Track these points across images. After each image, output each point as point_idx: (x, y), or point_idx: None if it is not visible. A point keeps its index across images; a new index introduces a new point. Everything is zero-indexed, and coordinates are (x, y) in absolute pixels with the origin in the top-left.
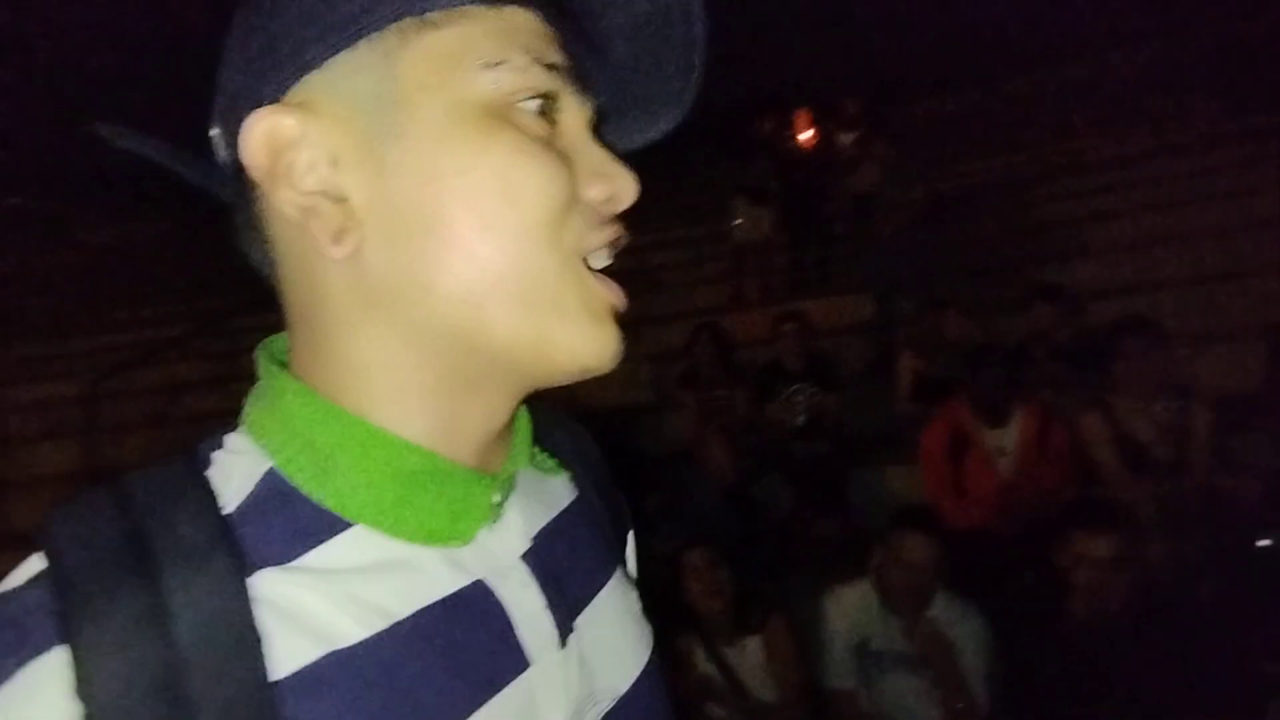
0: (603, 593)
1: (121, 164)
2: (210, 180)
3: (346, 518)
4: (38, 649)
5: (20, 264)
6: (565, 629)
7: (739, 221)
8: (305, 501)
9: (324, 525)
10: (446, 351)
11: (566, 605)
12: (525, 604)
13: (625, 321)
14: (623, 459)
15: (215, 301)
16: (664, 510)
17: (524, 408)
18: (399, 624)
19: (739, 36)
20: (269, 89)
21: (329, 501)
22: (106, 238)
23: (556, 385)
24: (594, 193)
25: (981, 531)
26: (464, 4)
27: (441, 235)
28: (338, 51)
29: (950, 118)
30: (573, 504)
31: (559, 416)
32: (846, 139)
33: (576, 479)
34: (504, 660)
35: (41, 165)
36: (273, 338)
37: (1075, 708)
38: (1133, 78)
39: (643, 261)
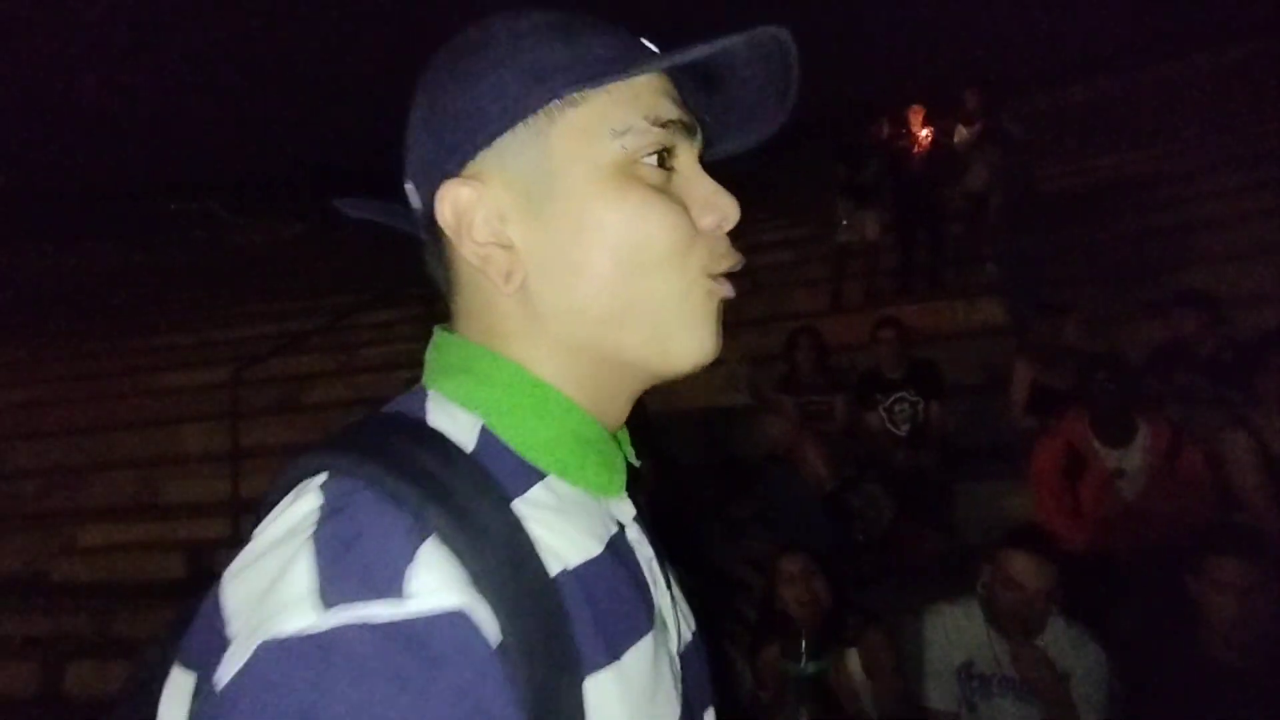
0: (671, 570)
1: (268, 172)
2: (410, 224)
3: (541, 468)
4: (423, 535)
5: (176, 261)
6: (668, 583)
7: (845, 223)
8: (511, 453)
9: (528, 472)
10: (594, 356)
11: (662, 570)
12: (643, 551)
13: (724, 323)
14: (717, 459)
15: (341, 298)
16: (756, 514)
17: None
18: (600, 555)
19: (845, 37)
20: (451, 163)
21: (529, 454)
22: (252, 238)
23: (664, 381)
24: (706, 222)
25: (1100, 556)
26: (603, 84)
27: (589, 274)
28: (502, 133)
29: (1076, 110)
30: (637, 514)
31: None
32: (963, 135)
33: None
34: (645, 592)
35: (199, 172)
36: (439, 334)
37: None
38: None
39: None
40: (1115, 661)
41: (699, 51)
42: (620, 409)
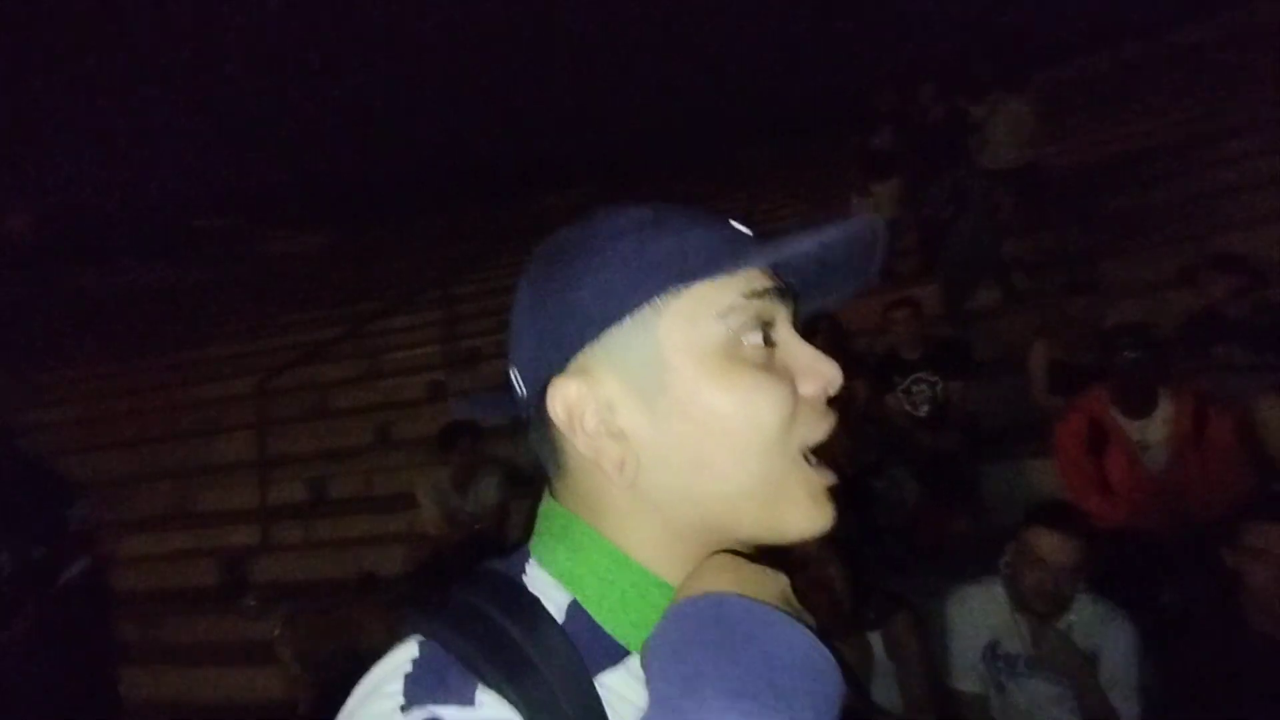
0: None
1: (290, 185)
2: (514, 409)
3: (627, 647)
4: (483, 687)
5: (203, 276)
6: None
7: (856, 202)
8: (599, 630)
9: (614, 651)
10: (703, 539)
11: None
12: None
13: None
14: None
15: (363, 305)
16: None
17: None
18: None
19: (863, 11)
20: (558, 357)
21: (616, 633)
22: (277, 250)
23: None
24: (809, 390)
25: (1133, 532)
26: (713, 277)
27: (705, 463)
28: (609, 328)
29: (1098, 77)
30: None
31: None
32: (979, 109)
33: None
34: None
35: (220, 188)
36: (548, 501)
37: None
38: None
39: None
40: (1150, 640)
41: (796, 247)
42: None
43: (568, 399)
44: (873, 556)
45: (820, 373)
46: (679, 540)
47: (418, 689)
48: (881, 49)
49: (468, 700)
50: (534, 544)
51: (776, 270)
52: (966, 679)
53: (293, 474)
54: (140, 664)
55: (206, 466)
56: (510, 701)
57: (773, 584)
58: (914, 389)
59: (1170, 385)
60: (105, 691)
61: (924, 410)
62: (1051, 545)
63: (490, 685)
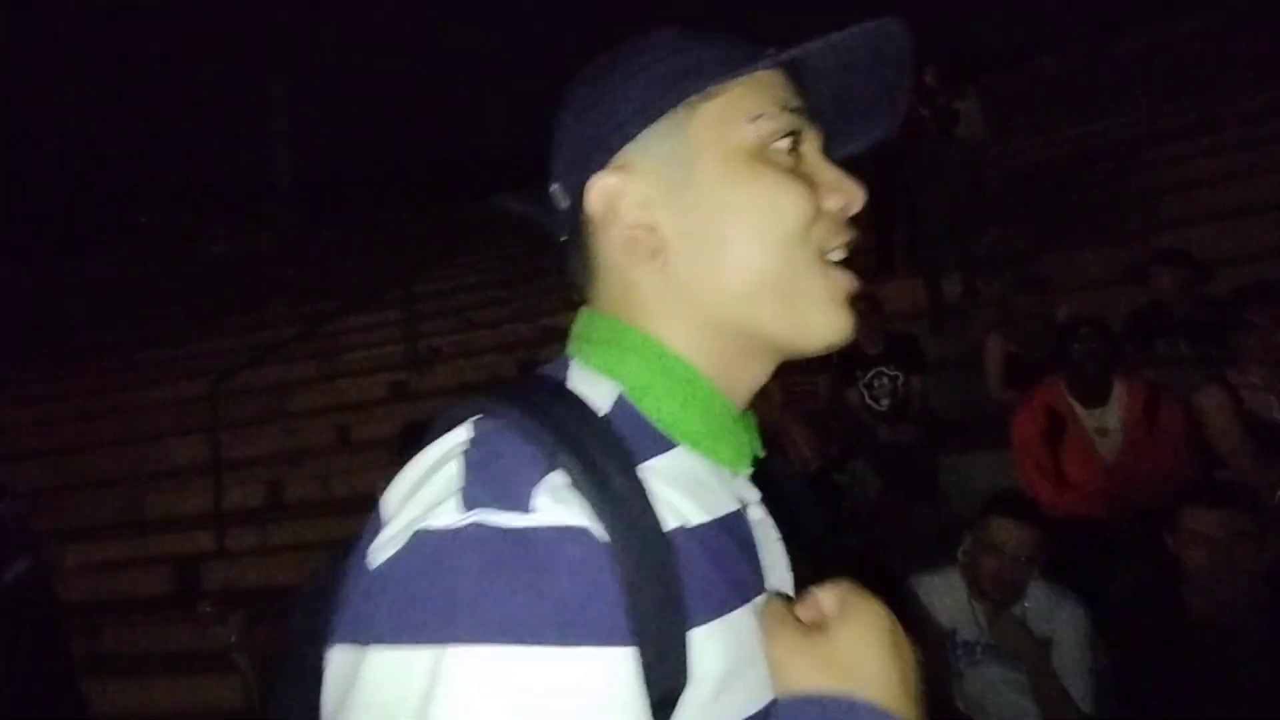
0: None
1: (239, 180)
2: (549, 220)
3: (673, 437)
4: (551, 467)
5: (150, 275)
6: (790, 560)
7: None
8: (646, 422)
9: (660, 440)
10: (732, 331)
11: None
12: (767, 533)
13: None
14: None
15: (319, 305)
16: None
17: None
18: (716, 520)
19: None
20: (599, 158)
21: (661, 424)
22: (227, 249)
23: (806, 357)
24: (831, 203)
25: (1085, 520)
26: (737, 77)
27: (728, 251)
28: (645, 128)
29: (1050, 81)
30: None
31: None
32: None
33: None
34: (754, 570)
35: (168, 182)
36: (585, 311)
37: (1191, 708)
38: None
39: None
40: (1102, 625)
41: (818, 44)
42: (748, 388)
43: (607, 189)
44: (837, 550)
45: (845, 189)
46: (713, 335)
47: (475, 479)
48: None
49: (522, 505)
50: (573, 350)
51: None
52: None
53: (248, 477)
54: (93, 675)
55: (158, 471)
56: (576, 484)
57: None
58: (875, 383)
59: (1122, 374)
60: (61, 702)
61: (884, 404)
62: (1008, 534)
63: (553, 462)
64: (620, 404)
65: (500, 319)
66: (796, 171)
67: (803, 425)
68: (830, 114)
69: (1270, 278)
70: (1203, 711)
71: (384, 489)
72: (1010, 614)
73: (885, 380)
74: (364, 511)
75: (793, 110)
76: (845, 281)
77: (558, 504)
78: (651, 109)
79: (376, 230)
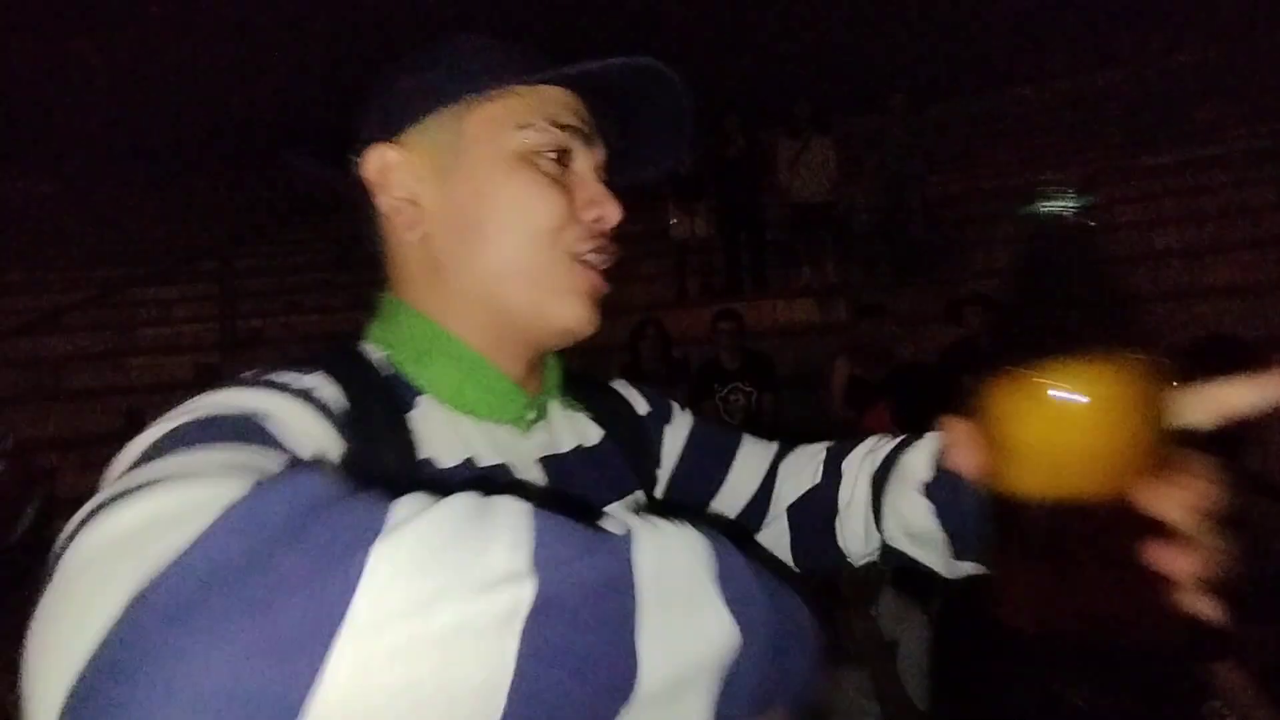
0: (611, 508)
1: (11, 117)
2: (341, 185)
3: (425, 391)
4: (319, 372)
5: None
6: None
7: (674, 221)
8: (402, 380)
9: (414, 394)
10: (482, 309)
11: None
12: (533, 489)
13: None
14: None
15: (111, 271)
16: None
17: (554, 360)
18: (463, 467)
19: (688, 39)
20: (385, 134)
21: (416, 381)
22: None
23: (555, 346)
24: (587, 215)
25: None
26: (511, 85)
27: (480, 232)
28: (428, 115)
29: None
30: (597, 444)
31: (600, 384)
32: (787, 147)
33: (607, 427)
34: None
35: None
36: (382, 297)
37: (1013, 708)
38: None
39: None
40: (935, 629)
41: (581, 66)
42: (522, 363)
43: (382, 160)
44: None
45: (601, 203)
46: (470, 309)
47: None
48: (711, 80)
49: (305, 371)
50: (366, 329)
51: (602, 129)
52: None
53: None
54: None
55: None
56: (337, 383)
57: None
58: (731, 397)
59: (941, 410)
60: None
61: (737, 418)
62: None
63: (324, 370)
64: (386, 365)
65: (334, 305)
66: (558, 180)
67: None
68: (624, 139)
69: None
70: (1020, 704)
71: None
72: (869, 615)
73: (741, 396)
74: None
75: (564, 127)
76: (591, 280)
77: (333, 383)
78: (435, 98)
79: (190, 193)
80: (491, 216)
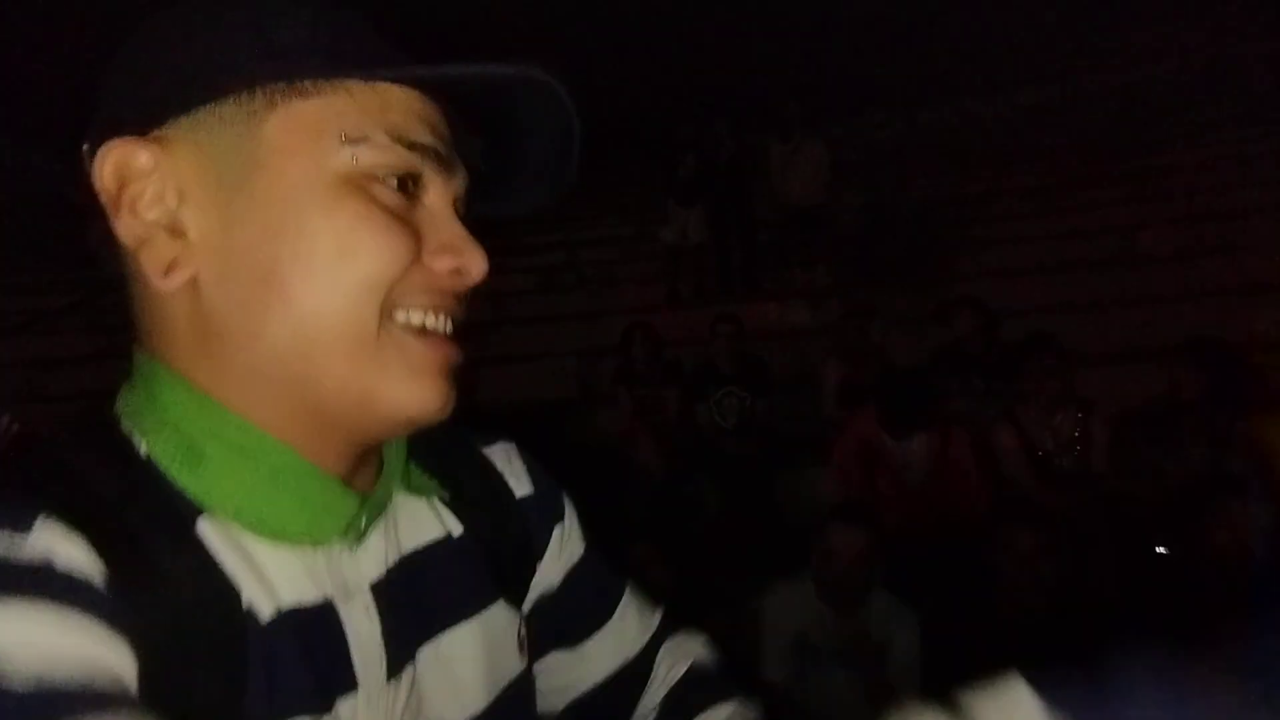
0: (465, 625)
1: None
2: (78, 190)
3: (203, 506)
4: (46, 514)
5: None
6: (401, 659)
7: (669, 224)
8: (171, 488)
9: (188, 513)
10: (281, 390)
11: (412, 635)
12: (364, 631)
13: (548, 317)
14: (551, 453)
15: (99, 271)
16: (594, 505)
17: (398, 439)
18: (276, 621)
19: (679, 43)
20: (134, 122)
21: (191, 489)
22: None
23: (388, 437)
24: (440, 265)
25: (903, 536)
26: (341, 79)
27: (273, 286)
28: (205, 103)
29: (895, 134)
30: (454, 536)
31: (468, 448)
32: (779, 150)
33: (469, 510)
34: (338, 678)
35: None
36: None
37: None
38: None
39: (572, 258)
40: (927, 629)
41: (454, 70)
42: (346, 456)
43: (126, 165)
44: (680, 559)
45: (461, 252)
46: (262, 387)
47: None
48: (693, 83)
49: (23, 525)
50: (120, 394)
51: (460, 146)
52: (773, 669)
53: None
54: None
55: None
56: (78, 531)
57: None
58: (724, 402)
59: (926, 413)
60: None
61: (731, 422)
62: (841, 537)
63: (53, 513)
64: (149, 467)
65: None
66: (401, 215)
67: (650, 437)
68: (492, 161)
69: (1048, 331)
70: None
71: None
72: (856, 617)
73: (735, 400)
74: None
75: (413, 146)
76: (439, 350)
77: (69, 533)
78: (222, 82)
79: None
80: (297, 263)
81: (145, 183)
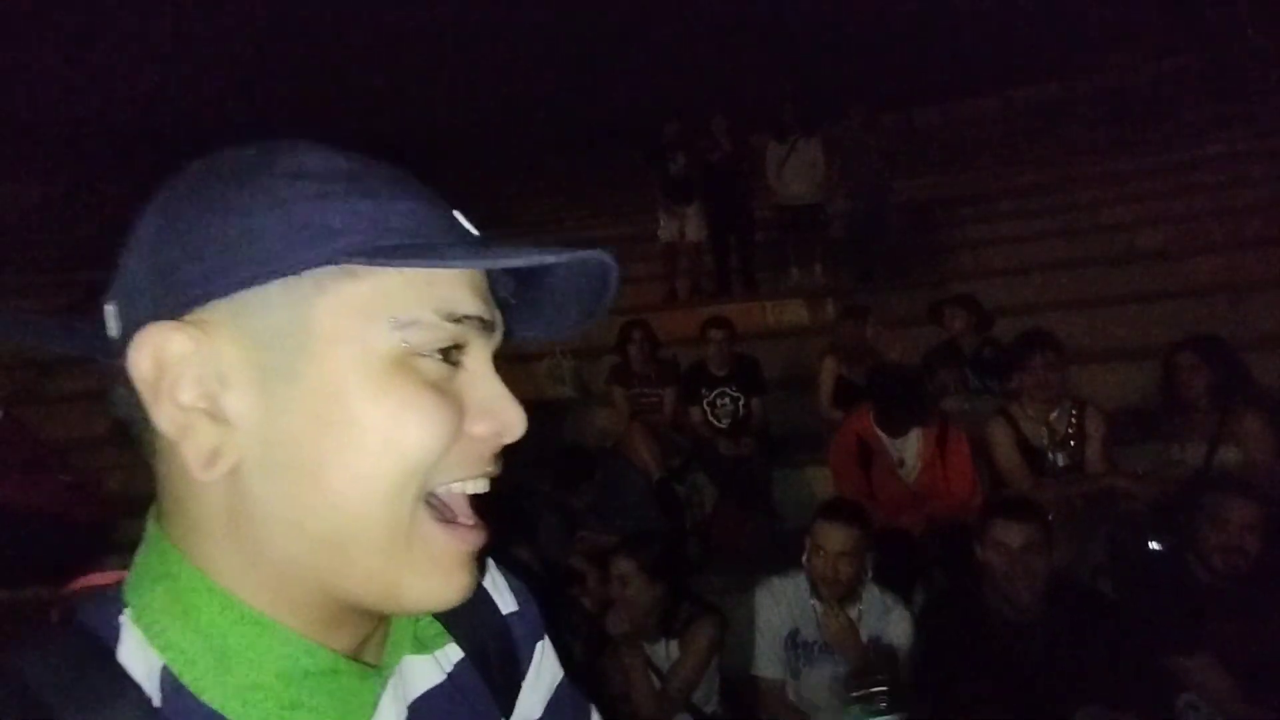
0: None
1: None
2: (96, 349)
3: (226, 716)
4: None
5: None
6: None
7: (664, 224)
8: (198, 705)
9: None
10: (309, 585)
11: None
12: None
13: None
14: (551, 452)
15: (98, 272)
16: (592, 504)
17: None
18: None
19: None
20: (170, 303)
21: (218, 704)
22: None
23: (410, 615)
24: (480, 429)
25: (897, 532)
26: (395, 263)
27: (318, 478)
28: (249, 288)
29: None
30: (455, 670)
31: None
32: (775, 150)
33: (466, 640)
34: None
35: None
36: (150, 522)
37: (988, 695)
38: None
39: None
40: (918, 623)
41: (516, 259)
42: (360, 633)
43: (164, 352)
44: (676, 558)
45: (501, 414)
46: (289, 582)
47: None
48: (688, 85)
49: None
50: (128, 583)
51: (494, 288)
52: (767, 665)
53: None
54: None
55: None
56: None
57: None
58: (718, 402)
59: (921, 409)
60: None
61: (725, 422)
62: (831, 535)
63: None
64: (168, 681)
65: None
66: (444, 387)
67: (647, 436)
68: (517, 294)
69: (1042, 328)
70: (998, 697)
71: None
72: (844, 612)
73: (728, 400)
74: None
75: (462, 320)
76: (460, 544)
77: None
78: (269, 265)
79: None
80: (343, 454)
81: (184, 367)
